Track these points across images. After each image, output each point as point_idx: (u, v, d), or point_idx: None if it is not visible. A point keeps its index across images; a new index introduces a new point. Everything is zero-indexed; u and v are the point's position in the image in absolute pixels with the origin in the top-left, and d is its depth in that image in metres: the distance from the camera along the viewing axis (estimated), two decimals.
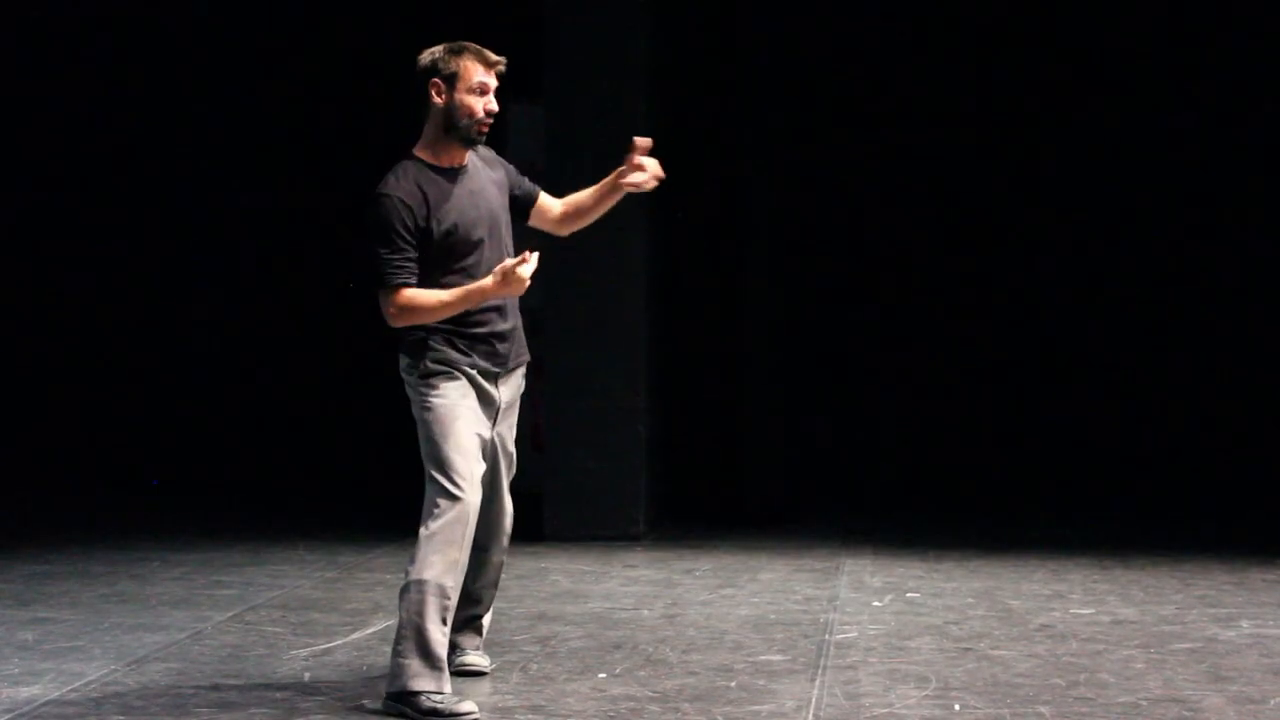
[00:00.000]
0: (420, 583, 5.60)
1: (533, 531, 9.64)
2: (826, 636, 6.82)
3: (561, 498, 9.62)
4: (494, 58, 5.91)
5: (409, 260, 5.71)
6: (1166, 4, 11.47)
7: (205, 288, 12.58)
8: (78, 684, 6.00)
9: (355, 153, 12.52)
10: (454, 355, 5.78)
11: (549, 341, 9.75)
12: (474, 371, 5.81)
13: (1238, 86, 11.47)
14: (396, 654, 5.60)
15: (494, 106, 5.85)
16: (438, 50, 5.92)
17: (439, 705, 5.53)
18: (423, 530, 5.70)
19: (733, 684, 5.98)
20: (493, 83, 5.88)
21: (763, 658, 6.34)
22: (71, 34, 12.57)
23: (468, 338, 5.81)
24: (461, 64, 5.85)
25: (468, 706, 5.56)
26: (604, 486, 9.57)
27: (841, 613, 7.35)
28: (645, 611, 7.45)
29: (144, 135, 12.57)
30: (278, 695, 5.83)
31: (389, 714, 5.60)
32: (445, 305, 5.71)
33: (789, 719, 5.52)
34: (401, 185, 5.77)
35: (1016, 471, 11.45)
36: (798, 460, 11.16)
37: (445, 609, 5.61)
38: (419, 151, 5.89)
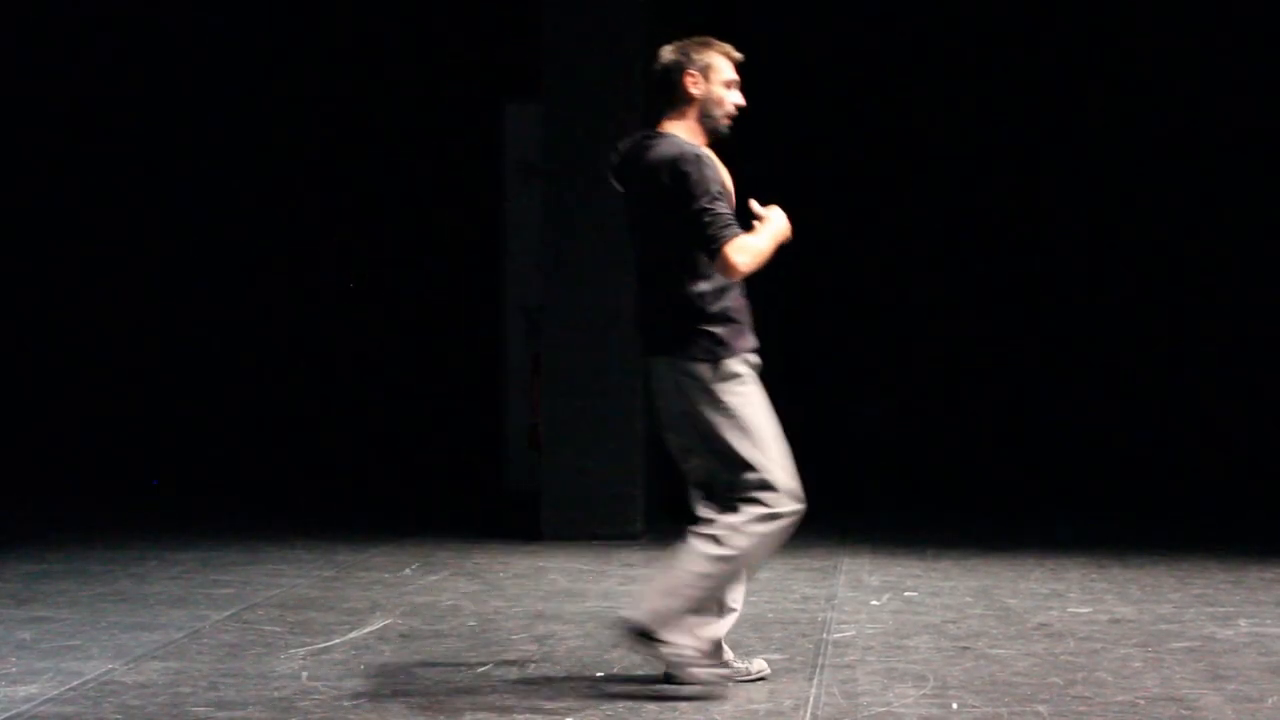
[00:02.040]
0: (739, 557, 5.66)
1: (530, 530, 9.66)
2: (824, 635, 6.82)
3: (560, 497, 9.62)
4: (737, 54, 5.99)
5: (733, 218, 5.76)
6: (1167, 5, 11.47)
7: (205, 288, 12.59)
8: (75, 683, 5.99)
9: (355, 153, 12.55)
10: (739, 344, 5.78)
11: (548, 341, 9.76)
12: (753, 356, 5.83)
13: (1238, 86, 11.47)
14: (679, 612, 5.64)
15: (742, 101, 5.95)
16: (686, 44, 6.00)
17: (735, 669, 5.78)
18: (759, 511, 5.67)
19: (730, 683, 5.97)
20: (738, 77, 5.95)
21: (760, 656, 6.33)
22: (71, 34, 12.58)
23: (739, 322, 5.81)
24: (714, 59, 5.93)
25: (759, 664, 5.90)
26: (602, 486, 9.57)
27: (839, 612, 7.35)
28: None
29: (144, 135, 12.58)
30: (275, 694, 5.83)
31: (671, 682, 5.75)
32: (770, 246, 5.77)
33: (787, 718, 5.52)
34: (706, 150, 5.85)
35: (1015, 471, 11.45)
36: (796, 459, 11.15)
37: (737, 589, 5.76)
38: (681, 133, 5.90)
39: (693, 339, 5.75)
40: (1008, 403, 11.72)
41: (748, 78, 11.52)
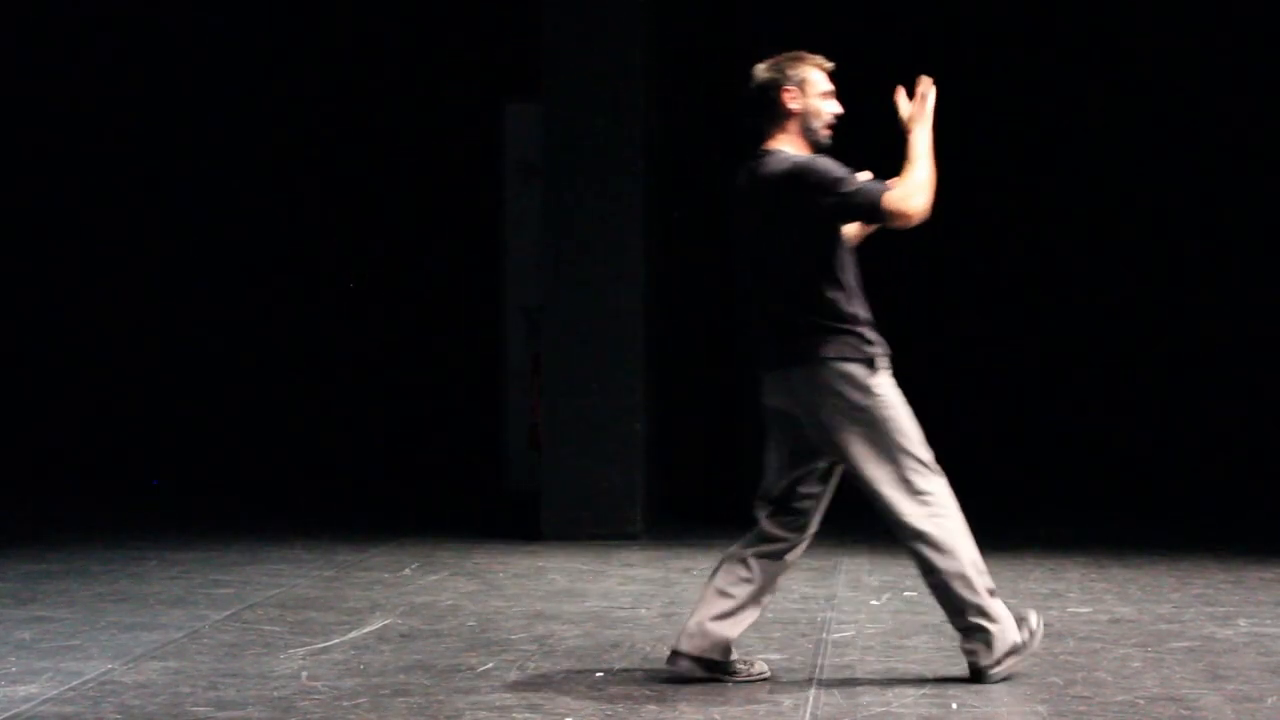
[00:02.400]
0: (963, 565, 5.85)
1: (530, 530, 9.66)
2: (824, 635, 6.82)
3: (559, 496, 9.62)
4: (829, 64, 6.09)
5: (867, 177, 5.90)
6: (1166, 6, 11.47)
7: (205, 288, 12.59)
8: (75, 683, 5.99)
9: (355, 153, 12.55)
10: (880, 344, 5.92)
11: (547, 341, 9.76)
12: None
13: (1238, 86, 11.46)
14: (979, 631, 5.82)
15: (840, 109, 6.06)
16: (780, 60, 6.06)
17: (1032, 626, 5.98)
18: (929, 525, 5.85)
19: (730, 683, 5.97)
20: (833, 87, 6.07)
21: (760, 656, 6.34)
22: (72, 34, 12.59)
23: (873, 325, 5.95)
24: (809, 73, 6.03)
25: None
26: (601, 485, 9.58)
27: (839, 611, 7.35)
28: (643, 610, 7.46)
29: (144, 135, 12.59)
30: (275, 694, 5.83)
31: (993, 680, 5.84)
32: (929, 169, 5.88)
33: (786, 718, 5.52)
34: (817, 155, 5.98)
35: (1015, 471, 11.45)
36: None
37: (984, 574, 5.89)
38: (788, 149, 6.01)
39: (843, 342, 5.86)
40: (1008, 403, 11.71)
41: (746, 77, 11.56)
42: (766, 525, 5.99)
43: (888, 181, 5.85)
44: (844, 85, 12.38)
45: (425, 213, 12.46)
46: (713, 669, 5.97)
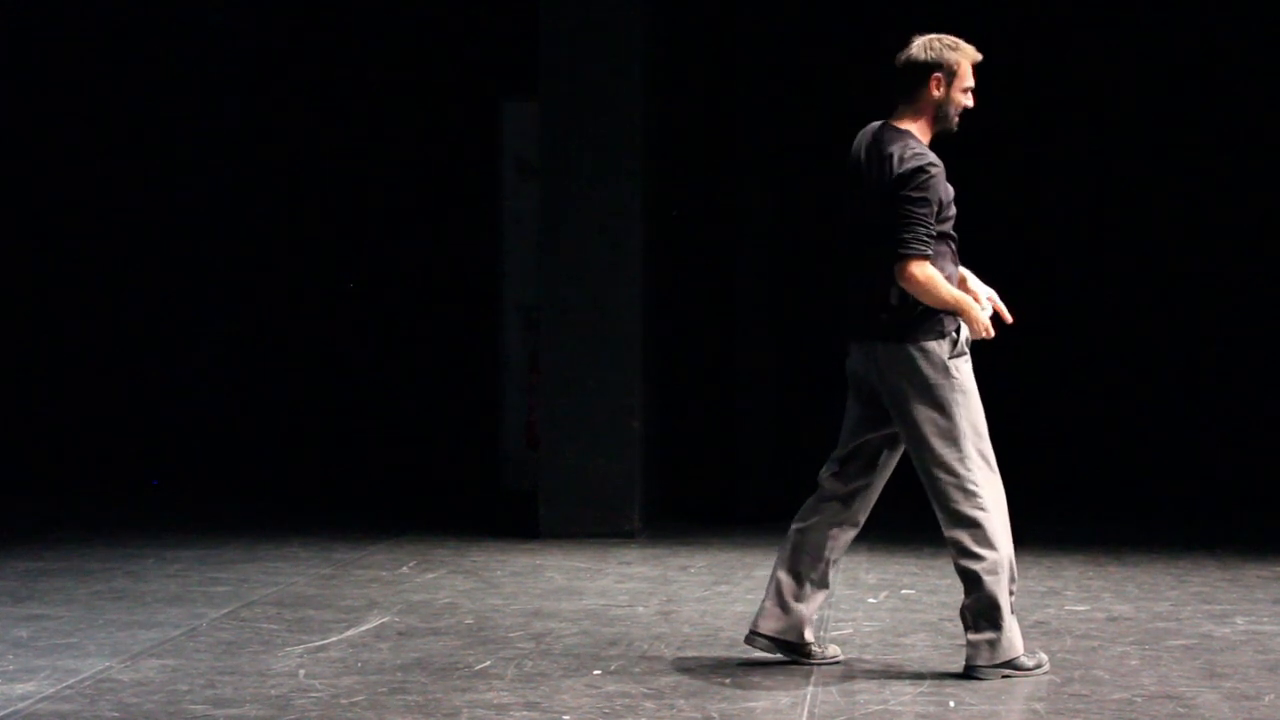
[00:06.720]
0: (1000, 560, 5.90)
1: (528, 528, 9.66)
2: (822, 633, 6.82)
3: (557, 495, 9.62)
4: (979, 55, 6.14)
5: (934, 235, 5.92)
6: (1163, 6, 11.47)
7: (203, 287, 12.58)
8: (73, 680, 6.00)
9: (352, 151, 12.54)
10: (965, 328, 6.02)
11: (545, 339, 9.76)
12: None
13: (1240, 86, 11.46)
14: (990, 627, 5.89)
15: (972, 103, 6.11)
16: (937, 44, 6.13)
17: (1041, 660, 6.04)
18: (975, 515, 5.93)
19: (728, 680, 5.98)
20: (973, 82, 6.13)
21: (758, 654, 6.34)
22: (72, 34, 12.58)
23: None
24: (961, 63, 6.09)
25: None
26: (599, 483, 9.58)
27: (837, 610, 7.35)
28: (640, 608, 7.46)
29: (144, 135, 12.57)
30: (273, 692, 5.83)
31: (986, 679, 5.89)
32: (949, 297, 5.91)
33: (784, 715, 5.52)
34: (938, 159, 5.98)
35: (1012, 469, 11.42)
36: (792, 457, 11.16)
37: (1014, 578, 5.96)
38: (914, 131, 6.04)
39: (929, 321, 5.96)
40: (1005, 402, 11.69)
41: (745, 75, 11.52)
42: (827, 483, 6.16)
43: (930, 256, 5.89)
44: (843, 84, 12.37)
45: (423, 211, 12.45)
46: (789, 650, 6.14)
